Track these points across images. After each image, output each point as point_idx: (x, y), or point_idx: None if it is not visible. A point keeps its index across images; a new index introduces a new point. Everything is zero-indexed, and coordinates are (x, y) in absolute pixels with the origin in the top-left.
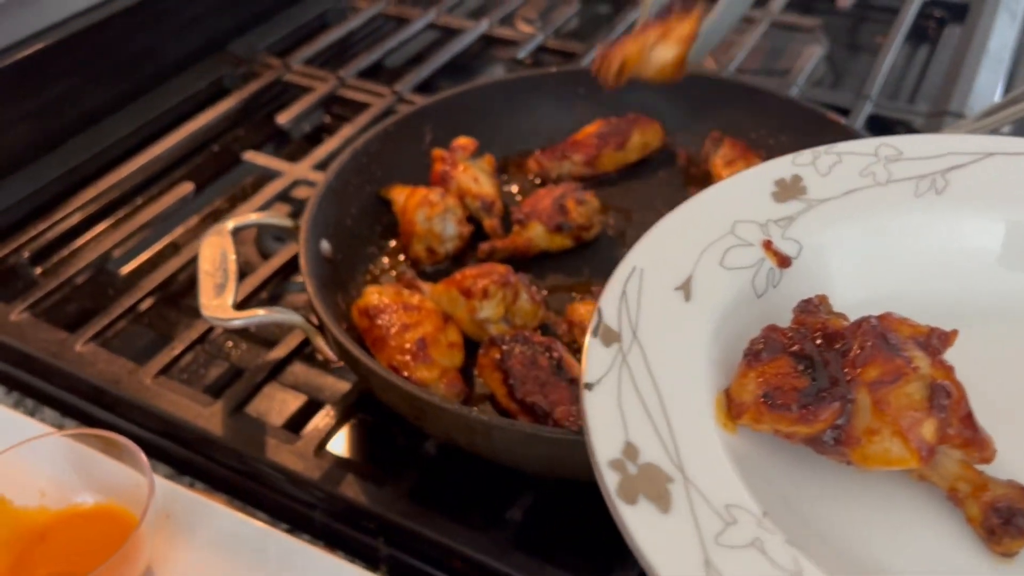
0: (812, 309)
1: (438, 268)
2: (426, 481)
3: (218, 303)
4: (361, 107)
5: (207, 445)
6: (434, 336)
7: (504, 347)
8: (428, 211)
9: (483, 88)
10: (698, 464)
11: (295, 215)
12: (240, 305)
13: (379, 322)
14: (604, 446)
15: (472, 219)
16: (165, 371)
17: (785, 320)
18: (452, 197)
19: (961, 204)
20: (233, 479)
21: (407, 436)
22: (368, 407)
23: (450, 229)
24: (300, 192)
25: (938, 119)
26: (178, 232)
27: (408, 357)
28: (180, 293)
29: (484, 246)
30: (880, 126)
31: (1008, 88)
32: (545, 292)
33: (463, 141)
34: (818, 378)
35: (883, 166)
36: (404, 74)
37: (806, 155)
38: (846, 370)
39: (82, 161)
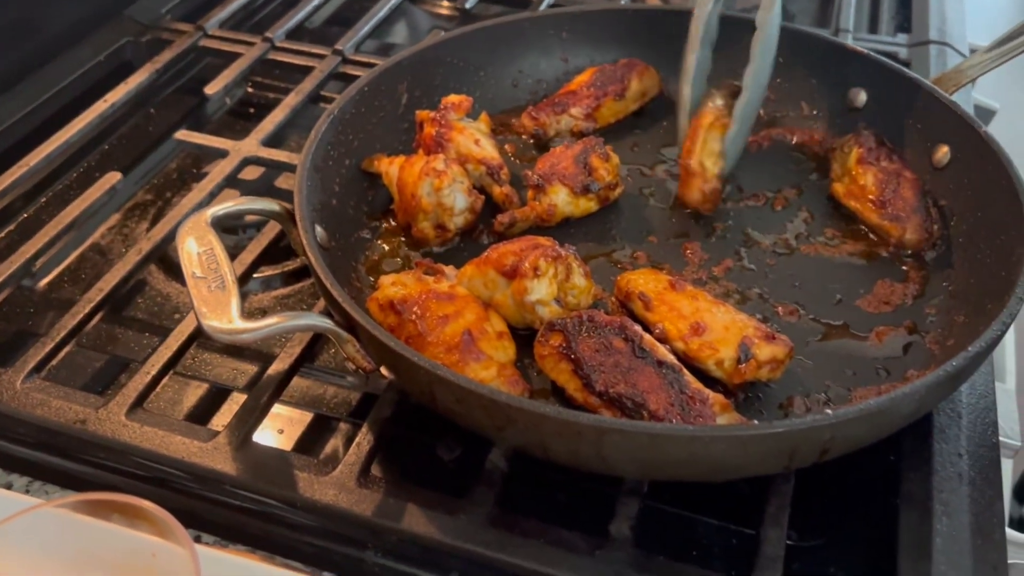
0: None
1: (448, 248)
2: (504, 502)
3: (222, 313)
4: (298, 72)
5: (214, 487)
6: (479, 327)
7: (568, 332)
8: (435, 181)
9: (459, 39)
10: None
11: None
12: None
13: (410, 316)
14: None
15: (477, 188)
16: (140, 402)
17: None
18: (455, 164)
19: None
20: (253, 526)
21: (451, 447)
22: (399, 420)
23: (460, 201)
24: (247, 174)
25: (923, 48)
26: (100, 232)
27: (456, 356)
28: (123, 303)
29: (502, 218)
30: None
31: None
32: None
33: (455, 99)
34: None
35: None
36: (333, 34)
37: None
38: None
39: None
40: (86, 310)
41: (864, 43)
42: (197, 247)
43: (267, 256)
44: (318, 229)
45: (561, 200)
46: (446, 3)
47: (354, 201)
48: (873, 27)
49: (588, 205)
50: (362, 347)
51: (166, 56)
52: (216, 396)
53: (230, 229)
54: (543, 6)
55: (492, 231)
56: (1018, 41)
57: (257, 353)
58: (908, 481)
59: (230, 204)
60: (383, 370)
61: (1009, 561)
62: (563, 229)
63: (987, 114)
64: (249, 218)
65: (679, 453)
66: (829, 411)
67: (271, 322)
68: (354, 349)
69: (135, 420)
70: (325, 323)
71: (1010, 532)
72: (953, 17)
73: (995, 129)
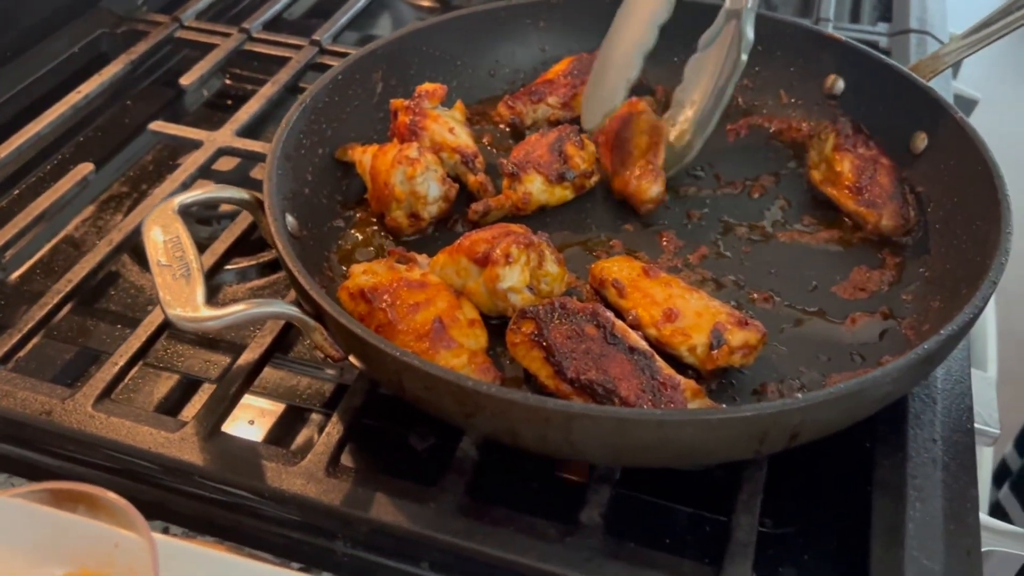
0: None
1: (421, 236)
2: (474, 490)
3: (186, 301)
4: (276, 63)
5: (182, 478)
6: (451, 314)
7: (540, 319)
8: (408, 170)
9: (435, 27)
10: None
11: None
12: None
13: (381, 305)
14: None
15: (451, 176)
16: (108, 393)
17: None
18: (428, 152)
19: None
20: (221, 517)
21: (423, 436)
22: (370, 410)
23: (434, 190)
24: (222, 164)
25: (903, 37)
26: (73, 224)
27: (427, 344)
28: (95, 295)
29: (476, 206)
30: None
31: None
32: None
33: (429, 87)
34: None
35: None
36: (312, 25)
37: None
38: None
39: None
40: (55, 301)
41: (844, 32)
42: (163, 236)
43: (242, 247)
44: (289, 218)
45: (536, 188)
46: None
47: (328, 190)
48: (855, 17)
49: (564, 193)
50: (330, 335)
51: (142, 47)
52: (188, 387)
53: (204, 220)
54: None
55: (467, 219)
56: (994, 27)
57: (230, 344)
58: (882, 467)
59: (198, 192)
60: (352, 359)
61: (985, 548)
62: (539, 217)
63: (969, 104)
64: (223, 208)
65: (648, 438)
66: (799, 395)
67: (236, 309)
68: (322, 337)
69: (102, 411)
70: (291, 311)
71: (987, 519)
72: (934, 6)
73: (976, 120)
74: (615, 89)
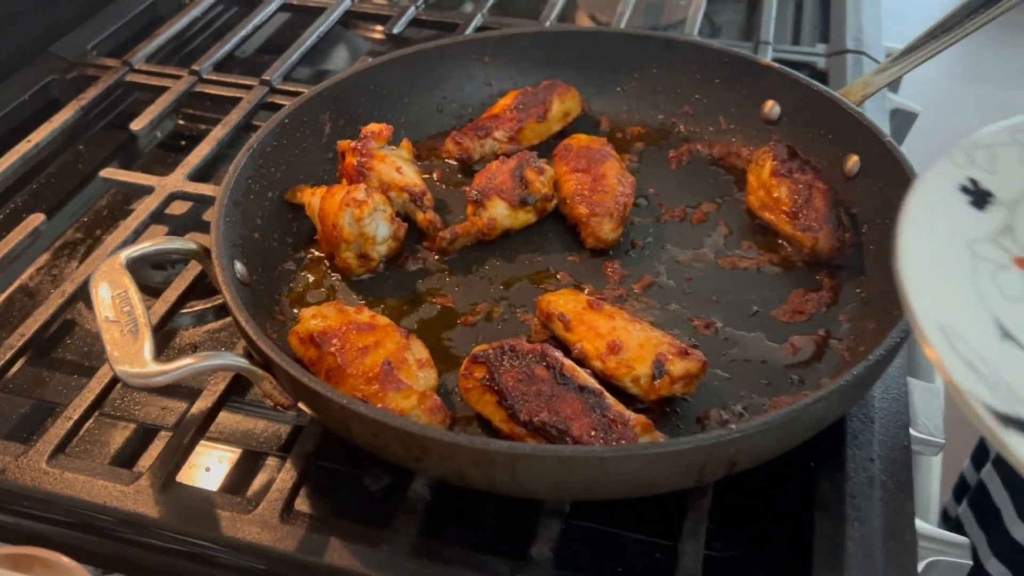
0: None
1: (372, 275)
2: (427, 531)
3: (133, 357)
4: (228, 103)
5: (139, 531)
6: (399, 356)
7: (491, 363)
8: (356, 212)
9: (381, 66)
10: None
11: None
12: None
13: (330, 349)
14: None
15: (400, 215)
16: (62, 448)
17: None
18: (376, 193)
19: None
20: (181, 568)
21: (378, 477)
22: (325, 453)
23: (383, 230)
24: (176, 208)
25: (840, 57)
26: (28, 273)
27: (376, 386)
28: (50, 345)
29: (444, 233)
30: None
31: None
32: (502, 286)
33: (375, 127)
34: None
35: None
36: (260, 62)
37: (959, 156)
38: None
39: None
40: (7, 356)
41: (784, 54)
42: (111, 291)
43: (199, 290)
44: (238, 265)
45: (500, 213)
46: (380, 27)
47: (278, 233)
48: (796, 38)
49: (527, 217)
50: (279, 384)
51: (92, 92)
52: (145, 436)
53: (158, 265)
54: (470, 29)
55: (435, 247)
56: (921, 52)
57: (188, 390)
58: (822, 487)
59: (146, 245)
60: (301, 405)
61: (932, 558)
62: (502, 241)
63: (909, 117)
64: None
65: (591, 474)
66: (733, 426)
67: (183, 364)
68: (271, 386)
69: (56, 467)
70: (239, 362)
71: (932, 529)
72: (869, 25)
73: (924, 123)
74: None
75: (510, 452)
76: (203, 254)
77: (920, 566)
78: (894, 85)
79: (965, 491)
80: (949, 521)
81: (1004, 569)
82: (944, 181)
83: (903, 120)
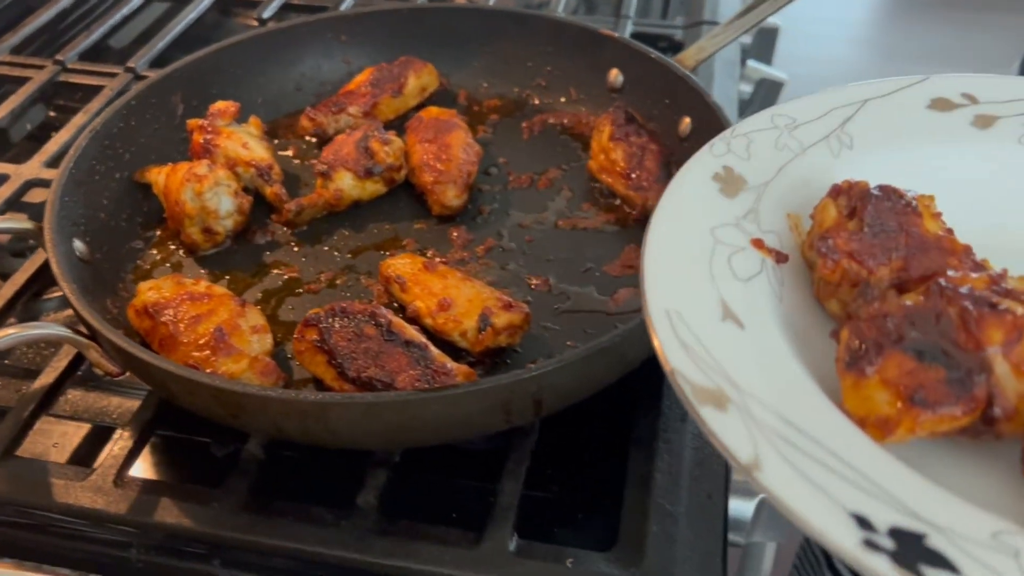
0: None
1: (219, 250)
2: (258, 487)
3: None
4: (92, 92)
5: None
6: (232, 323)
7: (322, 325)
8: (196, 186)
9: (234, 47)
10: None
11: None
12: None
13: (163, 319)
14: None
15: (249, 190)
16: None
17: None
18: (221, 168)
19: (871, 152)
20: (17, 538)
21: (224, 443)
22: (170, 421)
23: (226, 204)
24: (36, 195)
25: (696, 29)
26: None
27: (207, 352)
28: None
29: (290, 205)
30: (644, 42)
31: None
32: (350, 255)
33: (220, 105)
34: (949, 362)
35: (789, 135)
36: (136, 51)
37: (719, 145)
38: (961, 342)
39: None
40: None
41: (645, 28)
42: None
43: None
44: (77, 243)
45: (347, 184)
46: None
47: (127, 212)
48: (664, 13)
49: (375, 188)
50: (105, 352)
51: None
52: None
53: (19, 253)
54: (343, 6)
55: (283, 220)
56: (753, 13)
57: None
58: (639, 426)
59: None
60: (129, 373)
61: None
62: (353, 212)
63: (775, 86)
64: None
65: (399, 418)
66: (531, 365)
67: (4, 333)
68: (97, 355)
69: None
70: (61, 331)
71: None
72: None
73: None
74: None
75: (319, 401)
76: (38, 232)
77: (754, 502)
78: (766, 56)
79: None
80: None
81: None
82: (699, 171)
83: (771, 89)
